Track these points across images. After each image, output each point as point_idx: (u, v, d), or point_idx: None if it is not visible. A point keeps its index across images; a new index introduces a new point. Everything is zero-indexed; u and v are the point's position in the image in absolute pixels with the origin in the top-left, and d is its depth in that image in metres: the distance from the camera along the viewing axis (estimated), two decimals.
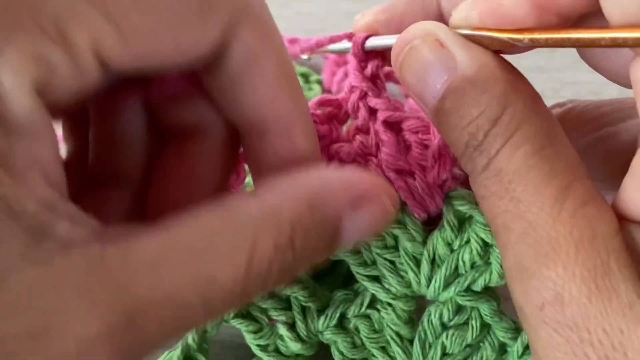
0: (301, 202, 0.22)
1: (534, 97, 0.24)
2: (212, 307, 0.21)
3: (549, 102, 0.26)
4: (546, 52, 0.51)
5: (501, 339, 0.30)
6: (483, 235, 0.29)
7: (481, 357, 0.30)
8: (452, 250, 0.29)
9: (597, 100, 0.32)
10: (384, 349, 0.30)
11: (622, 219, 0.23)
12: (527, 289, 0.23)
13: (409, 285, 0.30)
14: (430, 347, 0.30)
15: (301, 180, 0.24)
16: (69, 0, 0.20)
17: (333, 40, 0.32)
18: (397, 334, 0.30)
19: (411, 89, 0.25)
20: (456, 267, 0.29)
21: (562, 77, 0.50)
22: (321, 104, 0.32)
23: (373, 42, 0.30)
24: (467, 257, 0.29)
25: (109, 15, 0.20)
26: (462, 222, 0.29)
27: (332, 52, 0.32)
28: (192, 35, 0.22)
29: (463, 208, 0.28)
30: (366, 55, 0.31)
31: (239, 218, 0.22)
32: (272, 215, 0.22)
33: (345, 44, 0.32)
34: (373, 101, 0.30)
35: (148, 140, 0.27)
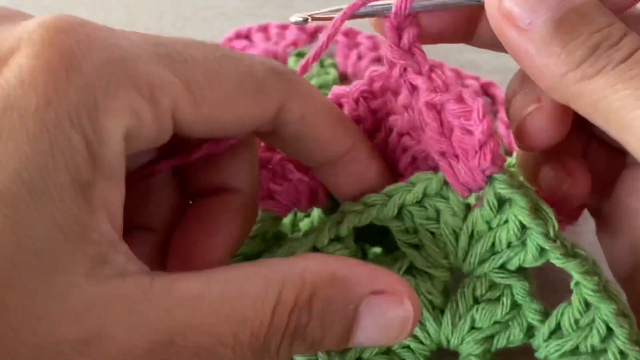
0: (327, 273, 0.25)
1: None
2: (240, 347, 0.24)
3: None
4: None
5: (530, 320, 0.31)
6: (521, 218, 0.30)
7: (508, 336, 0.32)
8: (490, 228, 0.31)
9: None
10: None
11: None
12: None
13: (446, 256, 0.32)
14: (460, 318, 0.32)
15: (331, 257, 0.28)
16: (158, 69, 0.25)
17: (356, 6, 0.31)
18: (431, 302, 0.32)
19: (520, 4, 0.27)
20: (492, 245, 0.31)
21: None
22: (373, 79, 0.33)
23: (422, 2, 0.30)
24: (504, 235, 0.30)
25: (188, 85, 0.25)
26: (502, 204, 0.30)
27: (361, 16, 0.31)
28: (247, 111, 0.27)
29: (504, 192, 0.30)
30: (401, 23, 0.31)
31: (270, 270, 0.25)
32: (298, 274, 0.25)
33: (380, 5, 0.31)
34: (414, 79, 0.31)
35: (174, 195, 0.31)
